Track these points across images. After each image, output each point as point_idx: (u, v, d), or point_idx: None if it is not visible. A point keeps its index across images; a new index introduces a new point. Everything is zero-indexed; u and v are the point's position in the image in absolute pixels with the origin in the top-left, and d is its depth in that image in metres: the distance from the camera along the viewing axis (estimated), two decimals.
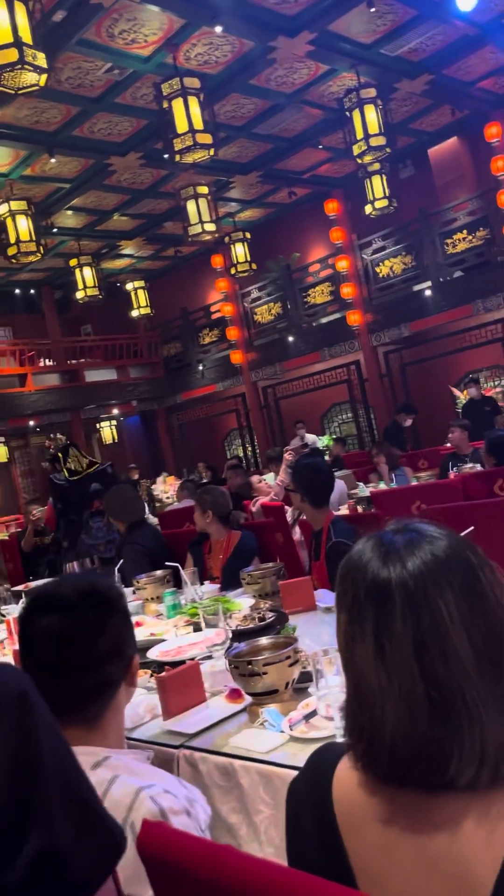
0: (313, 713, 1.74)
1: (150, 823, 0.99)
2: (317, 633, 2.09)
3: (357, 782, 0.91)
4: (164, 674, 2.11)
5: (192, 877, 0.90)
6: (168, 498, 10.86)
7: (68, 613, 1.23)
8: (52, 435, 8.25)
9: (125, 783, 1.15)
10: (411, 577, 0.85)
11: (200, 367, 14.77)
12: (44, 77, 5.21)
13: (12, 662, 2.67)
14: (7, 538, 8.79)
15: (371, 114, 7.98)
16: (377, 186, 9.88)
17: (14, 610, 3.54)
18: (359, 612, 0.88)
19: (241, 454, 15.32)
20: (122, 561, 3.84)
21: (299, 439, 11.02)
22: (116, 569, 3.58)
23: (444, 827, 0.83)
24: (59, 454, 6.58)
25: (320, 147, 10.49)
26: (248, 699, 1.96)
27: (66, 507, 6.24)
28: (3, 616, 3.65)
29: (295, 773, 1.58)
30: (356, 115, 8.02)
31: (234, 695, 2.03)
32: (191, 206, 9.23)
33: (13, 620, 3.18)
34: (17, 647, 2.71)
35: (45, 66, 5.15)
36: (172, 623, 2.97)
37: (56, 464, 6.57)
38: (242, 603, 3.00)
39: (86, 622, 1.23)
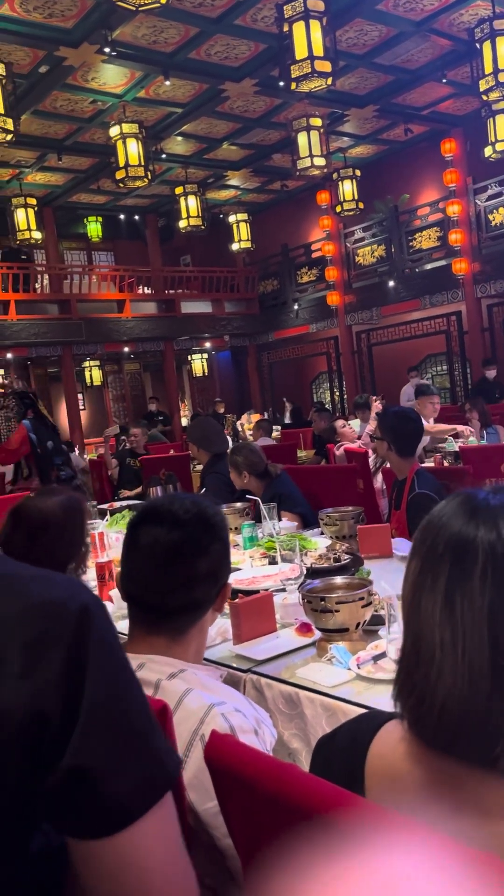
0: (382, 655, 1.75)
1: (218, 735, 1.04)
2: (392, 579, 2.09)
3: (398, 743, 0.87)
4: (238, 600, 2.16)
5: (256, 790, 0.94)
6: (251, 435, 10.94)
7: (179, 529, 1.29)
8: (14, 376, 8.12)
9: (199, 697, 1.20)
10: (500, 540, 0.79)
11: (296, 307, 14.60)
12: None
13: (93, 574, 2.79)
14: (96, 458, 9.11)
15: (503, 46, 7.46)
16: (501, 126, 9.31)
17: (99, 525, 3.68)
18: (434, 562, 0.82)
19: (328, 398, 15.20)
20: (203, 489, 3.91)
21: (411, 386, 10.84)
22: None
23: (479, 805, 0.78)
24: (34, 398, 6.12)
25: (444, 81, 9.92)
26: (317, 634, 1.99)
27: (53, 451, 5.95)
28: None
29: (359, 710, 1.61)
30: (487, 47, 7.52)
31: (304, 628, 2.06)
32: (302, 139, 8.97)
33: (97, 535, 3.32)
34: (100, 560, 2.83)
35: None
36: (248, 554, 3.03)
37: (34, 408, 5.99)
38: (319, 542, 3.02)
39: (192, 540, 1.29)
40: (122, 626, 2.37)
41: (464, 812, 0.78)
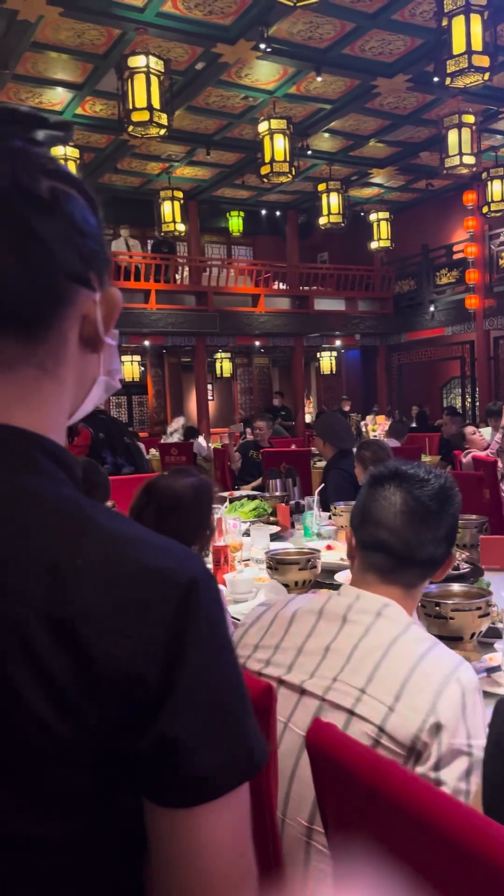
0: (496, 668, 1.69)
1: (321, 723, 1.04)
2: None
3: None
4: None
5: (354, 781, 0.93)
6: (375, 436, 10.79)
7: (429, 488, 1.40)
8: None
9: (446, 650, 1.26)
10: None
11: (432, 308, 14.24)
12: None
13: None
14: (220, 448, 9.31)
15: None
16: None
17: (219, 511, 3.76)
18: None
19: (459, 404, 14.75)
20: (322, 484, 3.91)
21: None
22: (317, 491, 3.66)
23: None
24: None
25: None
26: None
27: (109, 436, 6.12)
28: None
29: None
30: None
31: None
32: (452, 136, 8.71)
33: (215, 520, 3.40)
34: (217, 544, 2.89)
35: None
36: None
37: None
38: None
39: (440, 500, 1.39)
40: (233, 609, 2.42)
41: None
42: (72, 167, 9.40)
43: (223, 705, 0.57)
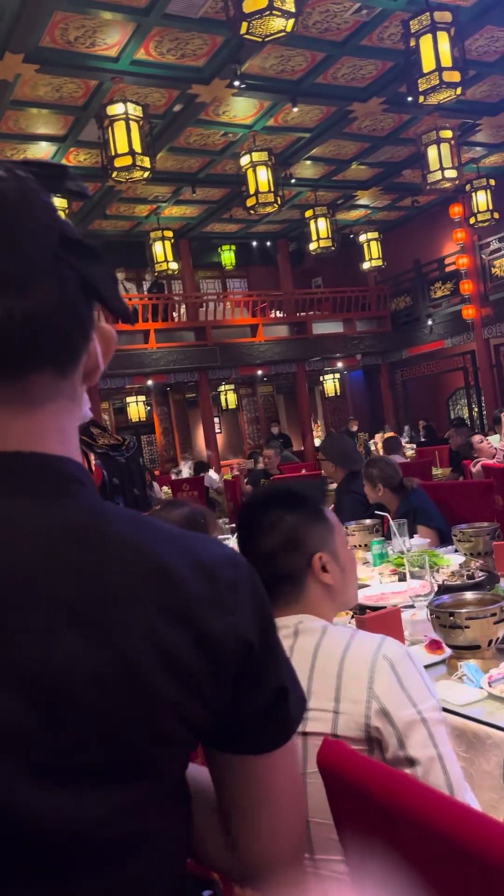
0: None
1: (330, 742, 1.02)
2: None
3: None
4: (365, 615, 2.12)
5: (367, 797, 0.91)
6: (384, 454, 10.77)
7: (252, 511, 1.40)
8: None
9: (365, 635, 1.26)
10: None
11: (429, 322, 14.28)
12: (291, 22, 5.23)
13: None
14: (231, 479, 9.30)
15: None
16: None
17: (230, 541, 3.75)
18: None
19: (466, 414, 14.71)
20: (332, 505, 3.89)
21: None
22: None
23: None
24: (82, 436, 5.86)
25: None
26: (447, 651, 1.92)
27: (122, 482, 5.88)
28: None
29: (490, 730, 1.53)
30: None
31: (434, 645, 1.99)
32: (432, 152, 8.83)
33: None
34: None
35: (292, 10, 5.16)
36: (378, 571, 2.97)
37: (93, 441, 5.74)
38: (451, 559, 2.92)
39: (256, 523, 1.37)
40: None
41: None
42: (62, 216, 9.58)
43: (287, 657, 0.69)
